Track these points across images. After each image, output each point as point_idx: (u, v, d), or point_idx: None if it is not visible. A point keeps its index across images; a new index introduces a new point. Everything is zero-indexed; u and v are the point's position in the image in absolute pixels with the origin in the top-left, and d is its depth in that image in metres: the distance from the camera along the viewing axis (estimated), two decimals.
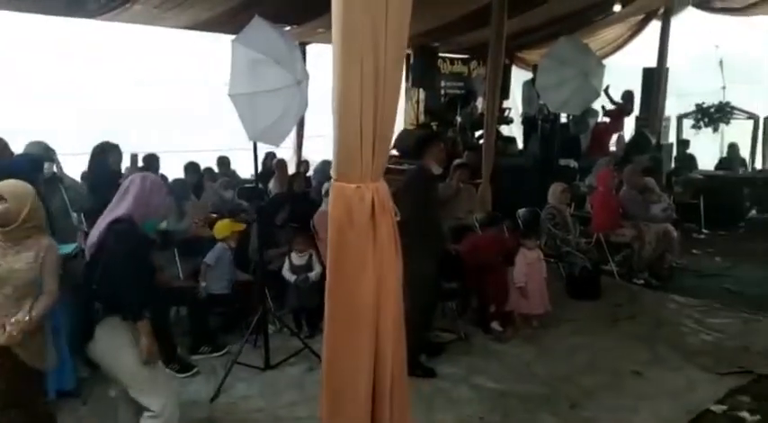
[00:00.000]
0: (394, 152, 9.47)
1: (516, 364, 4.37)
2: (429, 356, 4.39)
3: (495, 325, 4.86)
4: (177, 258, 5.05)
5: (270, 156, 7.78)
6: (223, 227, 4.85)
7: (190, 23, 6.95)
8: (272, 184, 7.11)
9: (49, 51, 7.39)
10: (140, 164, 6.41)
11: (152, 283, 2.92)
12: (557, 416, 3.65)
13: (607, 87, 9.20)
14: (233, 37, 3.75)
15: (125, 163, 5.98)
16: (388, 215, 1.76)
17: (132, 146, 6.54)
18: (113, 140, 5.55)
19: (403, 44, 1.82)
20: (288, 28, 6.26)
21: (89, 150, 5.49)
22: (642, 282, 6.20)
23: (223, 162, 7.66)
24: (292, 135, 6.70)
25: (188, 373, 4.15)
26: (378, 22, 1.69)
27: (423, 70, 9.83)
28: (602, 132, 9.79)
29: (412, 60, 10.09)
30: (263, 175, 7.73)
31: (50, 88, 7.51)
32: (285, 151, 8.00)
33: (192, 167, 6.74)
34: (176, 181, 6.01)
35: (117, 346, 2.73)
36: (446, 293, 4.89)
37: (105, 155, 5.40)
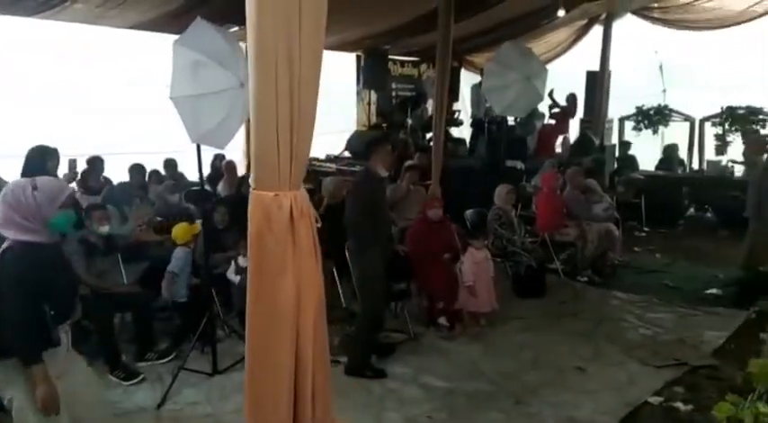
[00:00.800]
0: (347, 154, 9.53)
1: (464, 362, 4.46)
2: (380, 357, 4.43)
3: (442, 320, 4.94)
4: (121, 264, 4.93)
5: (219, 158, 7.67)
6: (183, 231, 4.73)
7: (134, 23, 6.78)
8: (220, 187, 7.01)
9: (46, 52, 7.15)
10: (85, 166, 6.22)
11: (62, 310, 2.55)
12: (502, 412, 3.73)
13: (551, 91, 9.48)
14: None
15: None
16: (308, 221, 1.79)
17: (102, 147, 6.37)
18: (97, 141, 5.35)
19: (319, 50, 1.83)
20: (235, 28, 6.18)
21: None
22: (585, 279, 6.40)
23: (169, 164, 7.50)
24: (241, 136, 6.63)
25: (133, 381, 4.07)
26: (291, 28, 1.71)
27: (373, 72, 9.90)
28: (548, 134, 10.08)
29: (363, 62, 10.16)
30: (212, 178, 7.64)
31: (46, 88, 7.26)
32: (235, 153, 7.90)
33: (136, 170, 6.57)
34: (120, 184, 5.86)
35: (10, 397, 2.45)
36: (396, 294, 4.95)
37: (43, 159, 5.21)
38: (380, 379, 4.15)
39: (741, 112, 9.42)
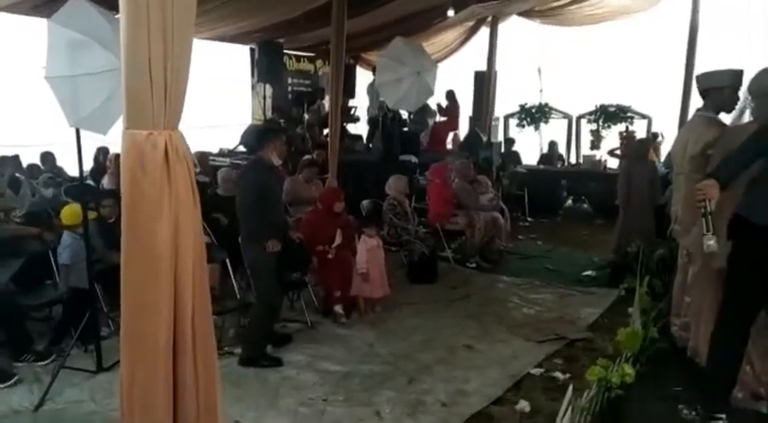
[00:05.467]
0: (241, 148, 9.34)
1: (360, 347, 4.53)
2: (276, 347, 4.41)
3: (338, 308, 5.00)
4: None
5: (102, 151, 7.29)
6: (72, 213, 4.38)
7: (4, 5, 6.29)
8: (105, 181, 6.67)
9: None
10: None
11: None
12: (396, 390, 3.84)
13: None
14: None
15: None
16: (185, 163, 1.73)
17: None
18: None
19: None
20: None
21: None
22: (474, 265, 6.72)
23: (47, 158, 7.03)
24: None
25: (7, 383, 3.77)
26: None
27: (268, 66, 9.76)
28: (440, 130, 10.48)
29: (257, 55, 10.00)
30: (95, 172, 7.23)
31: None
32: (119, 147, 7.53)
33: (8, 162, 6.10)
34: None
35: None
36: (292, 284, 4.95)
37: None
38: (276, 367, 4.13)
39: (612, 109, 10.25)
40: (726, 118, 3.91)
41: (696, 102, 9.07)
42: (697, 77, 3.96)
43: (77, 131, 3.62)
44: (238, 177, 4.38)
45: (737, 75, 3.70)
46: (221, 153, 9.09)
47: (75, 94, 3.35)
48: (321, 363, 4.24)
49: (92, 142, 6.13)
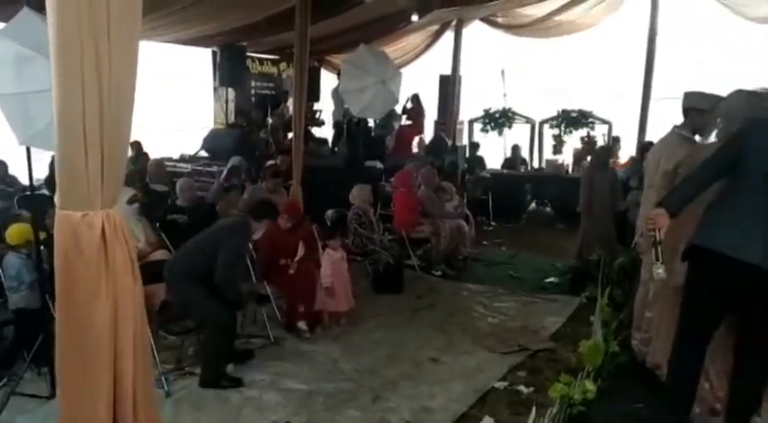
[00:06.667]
0: (203, 153, 9.14)
1: (324, 363, 4.48)
2: (238, 364, 4.33)
3: (301, 325, 4.93)
4: None
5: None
6: (18, 232, 4.17)
7: None
8: None
9: None
10: None
11: None
12: (360, 410, 3.80)
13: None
14: None
15: None
16: (123, 242, 1.67)
17: None
18: None
19: (133, 53, 1.69)
20: None
21: None
22: (440, 273, 6.73)
23: None
24: None
25: None
26: (99, 32, 1.57)
27: (231, 69, 9.58)
28: (406, 134, 10.48)
29: (219, 58, 9.81)
30: (51, 181, 6.97)
31: None
32: None
33: None
34: None
35: None
36: (255, 298, 4.86)
37: None
38: (238, 387, 4.05)
39: (574, 115, 10.40)
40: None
41: (654, 107, 9.38)
42: (684, 94, 3.97)
43: (28, 149, 3.48)
44: (228, 231, 4.22)
45: (720, 101, 3.70)
46: (182, 158, 8.89)
47: (25, 112, 3.21)
48: (284, 381, 4.17)
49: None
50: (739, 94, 3.32)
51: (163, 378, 3.97)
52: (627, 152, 9.85)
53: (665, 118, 5.30)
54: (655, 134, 5.90)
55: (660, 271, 2.82)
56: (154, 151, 8.31)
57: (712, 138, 3.62)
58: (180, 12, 7.26)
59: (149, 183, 6.49)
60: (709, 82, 3.73)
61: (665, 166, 3.88)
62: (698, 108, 3.80)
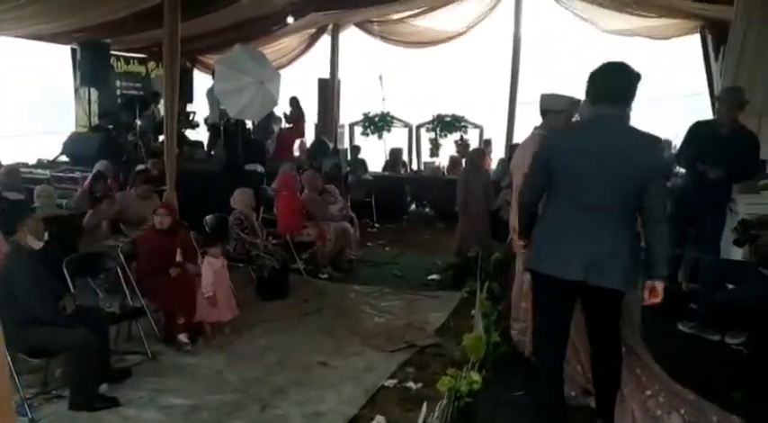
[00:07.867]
0: (64, 158, 8.38)
1: (208, 376, 4.26)
2: (112, 384, 4.00)
3: (182, 337, 4.67)
4: None
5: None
6: None
7: None
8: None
9: None
10: None
11: None
12: (249, 420, 3.67)
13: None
14: None
15: None
16: None
17: None
18: None
19: None
20: None
21: None
22: (326, 276, 6.69)
23: None
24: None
25: None
26: None
27: (93, 68, 8.86)
28: (286, 138, 10.35)
29: (79, 56, 9.07)
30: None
31: None
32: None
33: None
34: None
35: None
36: (129, 313, 4.54)
37: None
38: (113, 408, 3.74)
39: (448, 119, 10.83)
40: None
41: (521, 111, 10.01)
42: (541, 96, 4.15)
43: None
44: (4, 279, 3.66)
45: (575, 103, 3.92)
46: (40, 164, 8.11)
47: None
48: (165, 397, 3.92)
49: None
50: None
51: (26, 404, 3.61)
52: (497, 154, 10.41)
53: (531, 120, 5.62)
54: (522, 136, 6.28)
55: None
56: (6, 157, 7.55)
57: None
58: (33, 2, 6.62)
59: (1, 191, 5.86)
60: (571, 86, 3.96)
61: (524, 168, 4.09)
62: (554, 109, 3.99)
